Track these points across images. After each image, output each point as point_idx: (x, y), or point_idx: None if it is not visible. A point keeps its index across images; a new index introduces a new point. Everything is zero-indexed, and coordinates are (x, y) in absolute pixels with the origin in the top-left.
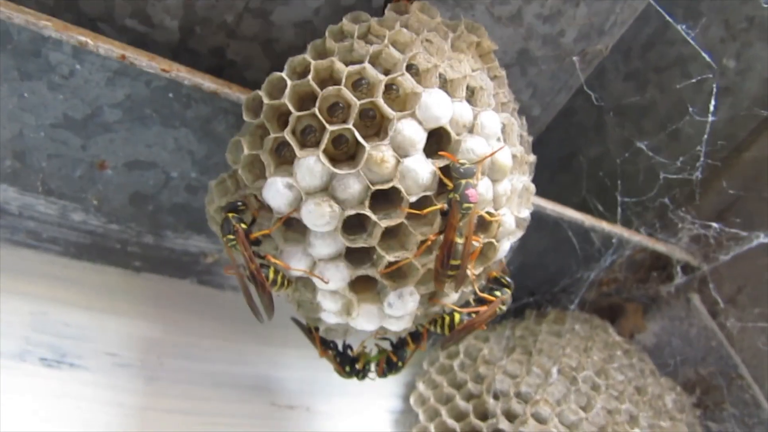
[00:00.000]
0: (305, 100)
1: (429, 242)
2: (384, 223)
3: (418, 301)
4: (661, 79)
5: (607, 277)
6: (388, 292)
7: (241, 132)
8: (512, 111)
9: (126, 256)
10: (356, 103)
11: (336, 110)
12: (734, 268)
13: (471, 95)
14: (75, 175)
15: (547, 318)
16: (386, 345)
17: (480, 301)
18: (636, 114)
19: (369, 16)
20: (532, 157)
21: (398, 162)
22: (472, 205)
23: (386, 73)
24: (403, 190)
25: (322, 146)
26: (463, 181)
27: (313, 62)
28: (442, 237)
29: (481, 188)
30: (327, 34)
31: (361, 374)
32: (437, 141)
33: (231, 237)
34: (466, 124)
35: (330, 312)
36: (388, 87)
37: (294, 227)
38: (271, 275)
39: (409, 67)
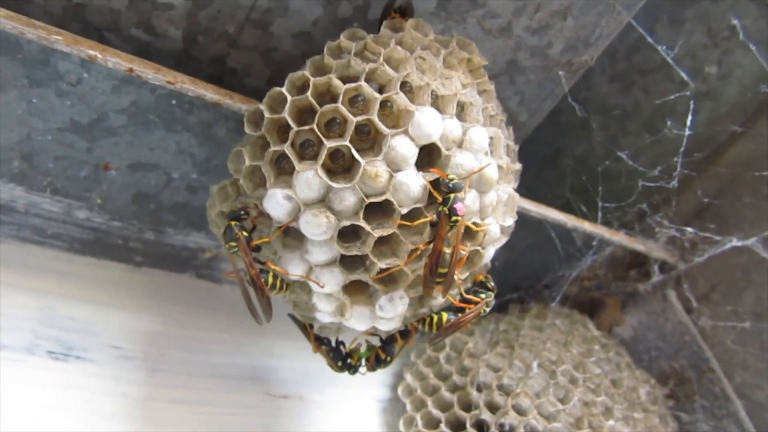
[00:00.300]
0: (303, 113)
1: (419, 251)
2: (377, 233)
3: (408, 304)
4: (646, 82)
5: (588, 273)
6: (380, 296)
7: (242, 143)
8: (500, 123)
9: (128, 251)
10: (353, 120)
11: (333, 125)
12: (709, 268)
13: (461, 111)
14: (80, 176)
15: (530, 313)
16: (376, 341)
17: (465, 302)
18: (620, 114)
19: (365, 33)
20: (518, 166)
21: (391, 176)
22: (459, 217)
23: (381, 89)
24: (395, 202)
25: (320, 161)
26: (452, 195)
27: (312, 79)
28: (431, 246)
29: (469, 200)
30: (325, 50)
31: (353, 369)
32: (428, 154)
33: (233, 244)
34: (456, 139)
35: (324, 312)
36: (383, 103)
37: (292, 234)
38: (270, 280)
39: (403, 85)
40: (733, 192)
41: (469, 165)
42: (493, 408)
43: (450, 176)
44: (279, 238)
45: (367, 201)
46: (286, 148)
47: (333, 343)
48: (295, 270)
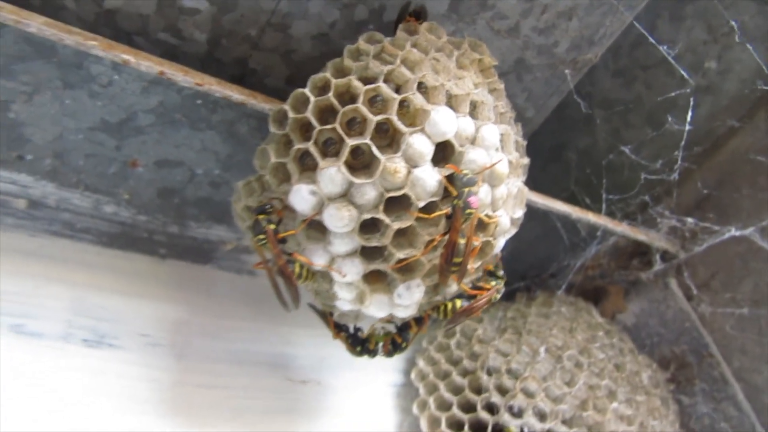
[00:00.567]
0: (325, 113)
1: (435, 242)
2: (395, 225)
3: (423, 292)
4: (647, 77)
5: (592, 262)
6: (398, 284)
7: (267, 141)
8: (509, 120)
9: (152, 244)
10: (373, 119)
11: (354, 124)
12: (708, 256)
13: (473, 109)
14: (109, 172)
15: (536, 301)
16: (391, 328)
17: (477, 290)
18: (623, 109)
19: (383, 36)
20: (526, 160)
21: (409, 172)
22: (473, 210)
23: (398, 89)
24: (413, 196)
25: (343, 158)
26: (466, 190)
27: (333, 80)
28: (446, 237)
29: (481, 194)
30: (345, 53)
31: (371, 353)
32: (443, 150)
33: (262, 237)
34: (469, 137)
35: (345, 300)
36: (401, 103)
37: (315, 227)
38: (297, 270)
39: (419, 85)
40: (731, 183)
41: (482, 161)
42: (502, 391)
43: (464, 171)
44: (304, 230)
45: (387, 195)
46: (310, 146)
47: (351, 330)
48: (318, 260)
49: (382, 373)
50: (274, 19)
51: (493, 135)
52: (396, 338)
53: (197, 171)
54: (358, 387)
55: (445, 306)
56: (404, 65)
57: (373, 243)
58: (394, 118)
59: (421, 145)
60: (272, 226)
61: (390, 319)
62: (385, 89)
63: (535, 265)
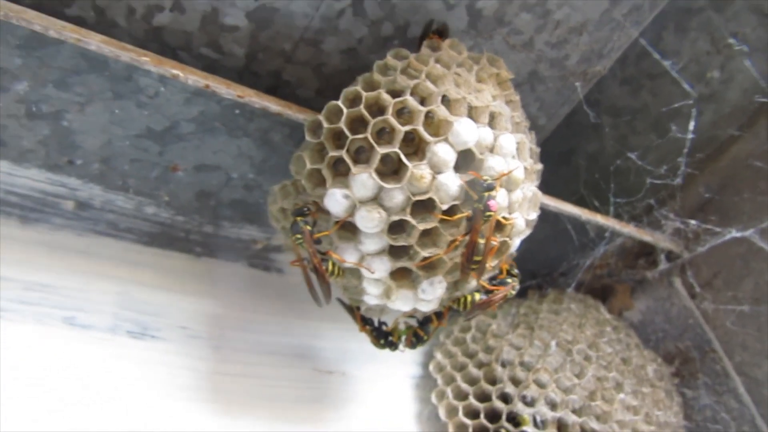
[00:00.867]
0: (355, 123)
1: (456, 242)
2: (421, 227)
3: (445, 288)
4: (654, 85)
5: (600, 262)
6: (422, 281)
7: (302, 148)
8: (524, 129)
9: (189, 243)
10: (401, 129)
11: (383, 134)
12: (711, 257)
13: (492, 120)
14: (151, 176)
15: (547, 298)
16: (413, 322)
17: (495, 286)
18: (630, 115)
19: (408, 52)
20: (540, 166)
21: (434, 178)
22: (492, 213)
23: (423, 101)
24: (437, 200)
25: (374, 165)
26: (486, 194)
27: (364, 93)
28: (467, 238)
29: (499, 198)
30: (374, 68)
31: (394, 346)
32: (464, 158)
33: (299, 236)
34: (488, 145)
35: (372, 296)
36: (426, 114)
37: (347, 228)
38: (330, 267)
39: (443, 98)
40: (733, 187)
41: (500, 167)
42: (515, 382)
43: (484, 177)
44: (336, 231)
45: (414, 199)
46: (343, 154)
47: (376, 324)
48: (350, 258)
49: (402, 365)
50: (306, 35)
51: (510, 144)
52: (418, 331)
53: (233, 175)
54: (379, 378)
55: (465, 298)
56: (428, 79)
57: (400, 242)
58: (421, 129)
59: (444, 153)
60: (308, 227)
61: (412, 314)
62: (412, 102)
63: (546, 264)
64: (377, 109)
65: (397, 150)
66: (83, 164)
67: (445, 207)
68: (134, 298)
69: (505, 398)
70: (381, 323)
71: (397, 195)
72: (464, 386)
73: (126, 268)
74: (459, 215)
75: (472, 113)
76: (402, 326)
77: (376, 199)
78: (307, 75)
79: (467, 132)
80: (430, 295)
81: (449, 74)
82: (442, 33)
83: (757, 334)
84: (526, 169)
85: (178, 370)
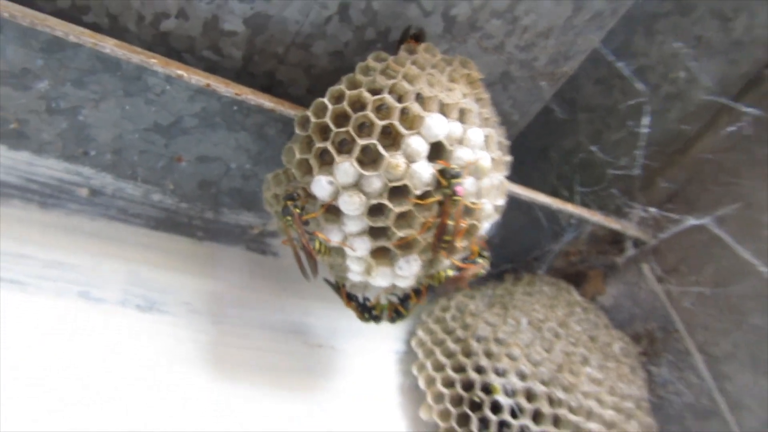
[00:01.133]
0: (340, 118)
1: (429, 223)
2: (397, 210)
3: (420, 265)
4: (624, 84)
5: (573, 249)
6: (399, 259)
7: (292, 141)
8: (493, 124)
9: (191, 228)
10: (379, 124)
11: (364, 127)
12: (676, 244)
13: (462, 115)
14: (158, 167)
15: (522, 281)
16: (394, 299)
17: (465, 264)
18: (603, 112)
19: (387, 55)
20: (508, 158)
21: (408, 167)
22: (460, 198)
23: (399, 99)
24: (411, 186)
25: (354, 155)
26: (454, 181)
27: (347, 92)
28: (438, 220)
29: (467, 185)
30: (357, 69)
31: (376, 319)
32: (436, 149)
33: (289, 218)
34: (458, 138)
35: (355, 272)
36: (402, 111)
37: (332, 211)
38: (317, 245)
39: (417, 96)
40: (697, 179)
41: (468, 158)
42: (489, 355)
43: (452, 166)
44: (322, 214)
45: (390, 185)
46: (328, 145)
47: (360, 300)
48: (334, 238)
49: (386, 341)
50: (297, 40)
51: (478, 137)
52: (398, 307)
53: (231, 165)
54: (365, 352)
55: (439, 274)
56: (405, 79)
57: (379, 224)
58: (396, 123)
59: (418, 144)
60: (298, 210)
61: (392, 290)
62: (389, 99)
63: (521, 250)
64: (359, 105)
65: (375, 142)
66: (97, 155)
67: (418, 192)
68: (142, 276)
69: (479, 370)
70: (365, 299)
71: (375, 181)
72: (442, 359)
73: (135, 250)
74: (431, 200)
75: (444, 109)
76: (384, 301)
77: (357, 185)
78: (298, 75)
79: (438, 126)
80: (407, 271)
81: (423, 75)
82: (419, 37)
83: (717, 315)
84: (493, 159)
85: (182, 341)
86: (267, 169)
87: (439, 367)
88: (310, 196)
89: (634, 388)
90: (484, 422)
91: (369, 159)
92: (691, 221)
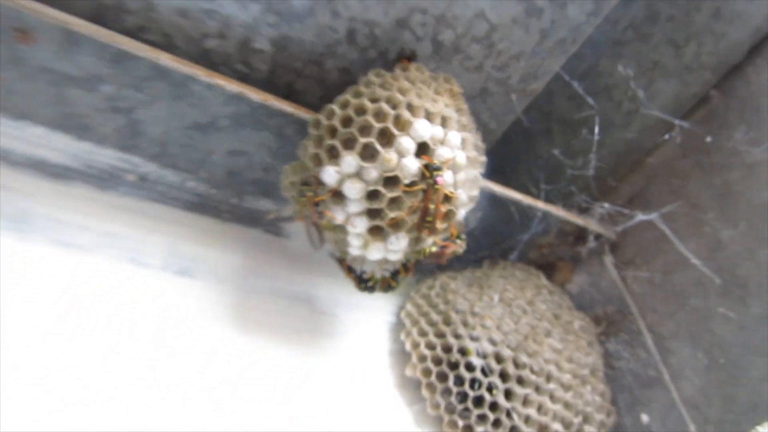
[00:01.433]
0: (345, 121)
1: (414, 207)
2: (389, 195)
3: (408, 242)
4: (594, 100)
5: (545, 242)
6: (390, 235)
7: (306, 138)
8: (470, 130)
9: (219, 211)
10: (377, 127)
11: (364, 129)
12: (633, 239)
13: (443, 121)
14: (194, 158)
15: (498, 267)
16: (387, 273)
17: (445, 242)
18: (575, 124)
19: (385, 72)
20: (483, 158)
21: (399, 161)
22: (440, 187)
23: (394, 107)
24: (401, 176)
25: (357, 150)
26: (435, 173)
27: (352, 100)
28: (422, 204)
29: (446, 177)
30: (360, 82)
31: (371, 289)
32: (421, 147)
33: (303, 199)
34: (439, 139)
35: (354, 247)
36: (395, 117)
37: (337, 195)
38: (324, 222)
39: (408, 105)
40: (655, 183)
41: (447, 155)
42: (466, 324)
43: (435, 162)
44: (330, 197)
45: (384, 175)
46: (336, 142)
47: (358, 272)
48: (339, 216)
49: (381, 313)
50: (312, 57)
51: (456, 139)
52: (390, 281)
53: (255, 159)
54: (363, 322)
55: (423, 250)
56: (398, 92)
57: (375, 206)
58: (390, 126)
59: (407, 143)
60: (311, 194)
61: (385, 265)
62: (385, 107)
63: (498, 241)
64: (361, 111)
65: (373, 140)
66: (145, 147)
67: (407, 182)
68: (179, 248)
69: (457, 336)
70: (362, 272)
71: (372, 172)
72: (426, 327)
73: (173, 227)
74: (416, 187)
75: (429, 116)
76: (378, 275)
77: (358, 175)
78: (313, 86)
79: (424, 129)
80: (396, 246)
81: (414, 88)
82: (411, 58)
83: (664, 300)
84: (468, 158)
85: (211, 303)
86: (284, 163)
87: (423, 334)
88: (321, 183)
89: (590, 358)
90: (459, 379)
91: (368, 154)
92: (640, 217)
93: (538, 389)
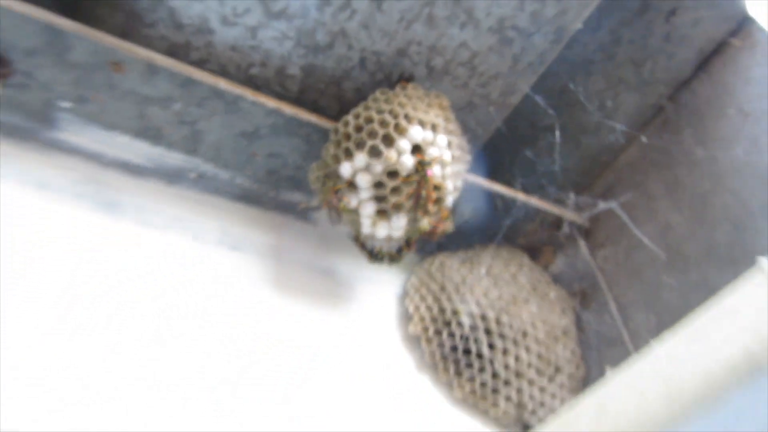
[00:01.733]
0: (358, 128)
1: (411, 193)
2: (391, 185)
3: (406, 221)
4: (572, 111)
5: (531, 230)
6: (392, 216)
7: (328, 142)
8: (456, 134)
9: (260, 202)
10: (381, 132)
11: (372, 134)
12: (603, 225)
13: (433, 127)
14: (242, 159)
15: (488, 249)
16: (393, 249)
17: (436, 223)
18: (545, 130)
19: (389, 90)
20: (468, 157)
21: (398, 158)
22: (430, 178)
23: (394, 117)
24: (400, 170)
25: (366, 150)
26: (426, 167)
27: (362, 112)
28: (417, 191)
29: (435, 170)
30: (369, 99)
31: (379, 261)
32: (416, 148)
33: (326, 188)
34: (430, 141)
35: (365, 226)
36: (395, 124)
37: (351, 185)
38: (342, 206)
39: (405, 115)
40: (621, 179)
41: (436, 154)
42: (458, 291)
43: (426, 159)
44: (346, 186)
45: (387, 170)
46: (350, 145)
47: (369, 247)
48: (353, 202)
49: (389, 285)
50: (333, 80)
51: (443, 141)
52: (394, 255)
53: (288, 160)
54: (374, 292)
55: (419, 228)
56: (398, 106)
57: (380, 193)
58: (392, 132)
59: (404, 145)
60: (331, 184)
61: (390, 242)
62: (388, 117)
63: (486, 227)
64: (369, 121)
65: (378, 143)
66: (204, 151)
67: (404, 174)
68: (230, 230)
69: (450, 300)
70: (372, 247)
71: (378, 167)
72: (425, 294)
73: (225, 214)
74: (412, 178)
75: (421, 124)
76: (385, 250)
77: (367, 169)
78: (333, 102)
79: (417, 134)
80: (397, 224)
81: (410, 103)
82: (409, 79)
83: (625, 274)
84: (453, 156)
85: (256, 270)
86: (312, 162)
87: (422, 299)
88: (339, 176)
89: (563, 321)
90: (451, 334)
91: (375, 153)
92: (601, 205)
93: (515, 342)
